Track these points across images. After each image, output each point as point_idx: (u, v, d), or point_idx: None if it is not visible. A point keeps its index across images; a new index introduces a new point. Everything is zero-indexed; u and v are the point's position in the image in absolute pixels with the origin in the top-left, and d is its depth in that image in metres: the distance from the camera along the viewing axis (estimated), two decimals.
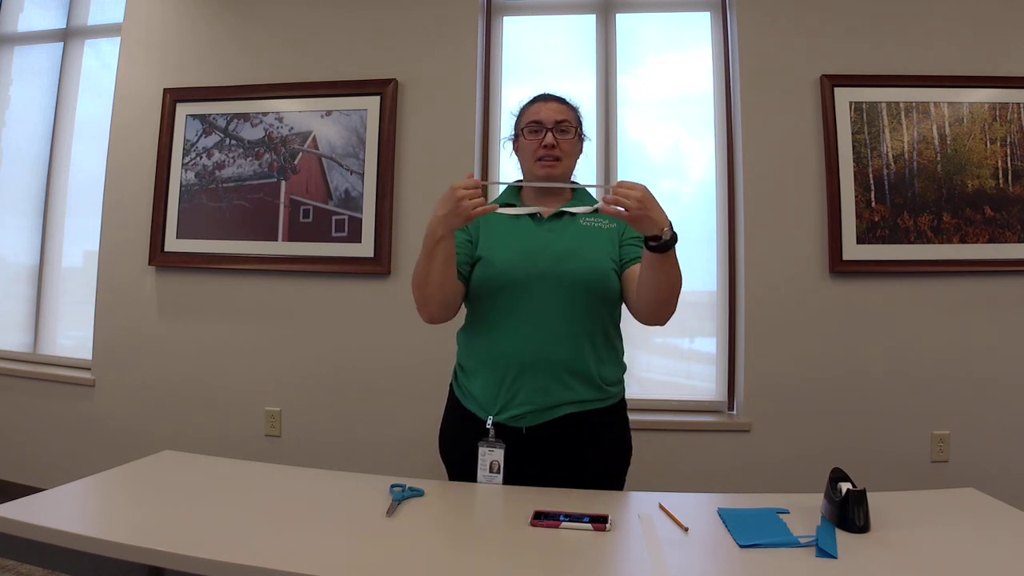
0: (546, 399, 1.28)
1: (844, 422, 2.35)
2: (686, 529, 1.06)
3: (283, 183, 2.62)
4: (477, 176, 2.54)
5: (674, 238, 1.14)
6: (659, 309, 1.27)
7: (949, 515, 1.15)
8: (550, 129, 1.35)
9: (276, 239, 2.60)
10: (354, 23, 2.65)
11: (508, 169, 2.58)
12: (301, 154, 2.62)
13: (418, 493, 1.21)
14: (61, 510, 1.12)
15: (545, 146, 1.34)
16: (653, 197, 1.12)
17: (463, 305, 1.40)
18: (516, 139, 1.44)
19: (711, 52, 2.63)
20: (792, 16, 2.46)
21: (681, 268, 1.22)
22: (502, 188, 1.51)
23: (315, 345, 2.58)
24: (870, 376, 2.35)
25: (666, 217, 1.13)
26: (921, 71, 2.40)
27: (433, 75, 2.58)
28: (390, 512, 1.12)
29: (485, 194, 1.25)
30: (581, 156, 1.45)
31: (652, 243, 1.14)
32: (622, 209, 1.11)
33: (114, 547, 0.97)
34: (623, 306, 1.39)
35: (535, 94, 1.45)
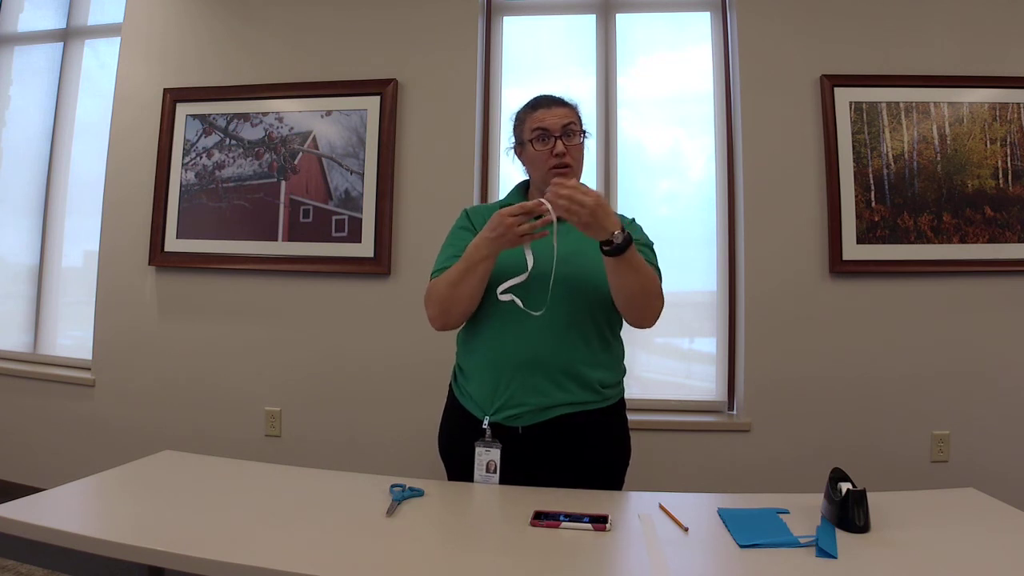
0: (541, 399, 1.28)
1: (844, 422, 2.34)
2: (686, 529, 1.06)
3: (283, 183, 2.62)
4: (477, 179, 2.55)
5: (626, 241, 1.16)
6: (634, 312, 1.28)
7: (949, 515, 1.15)
8: (558, 137, 1.33)
9: (276, 239, 2.60)
10: (354, 23, 2.65)
11: (508, 170, 2.59)
12: (301, 154, 2.62)
13: (418, 493, 1.21)
14: (61, 510, 1.12)
15: (556, 155, 1.33)
16: (606, 204, 1.16)
17: None
18: (519, 145, 1.42)
19: (711, 52, 2.63)
20: (792, 16, 2.46)
21: (653, 270, 1.25)
22: (505, 190, 1.50)
23: (315, 345, 2.58)
24: (870, 376, 2.35)
25: (617, 222, 1.16)
26: (921, 71, 2.40)
27: (433, 75, 2.58)
28: (390, 512, 1.12)
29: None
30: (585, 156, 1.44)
31: (605, 248, 1.17)
32: (573, 216, 1.14)
33: (114, 547, 0.97)
34: None
35: (533, 98, 1.42)
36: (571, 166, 1.34)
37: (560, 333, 1.29)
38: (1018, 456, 2.30)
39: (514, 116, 1.44)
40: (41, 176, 3.07)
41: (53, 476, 2.44)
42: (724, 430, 2.40)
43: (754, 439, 2.38)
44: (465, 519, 1.18)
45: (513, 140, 1.44)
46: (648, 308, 1.27)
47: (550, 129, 1.34)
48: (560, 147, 1.33)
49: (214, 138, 2.68)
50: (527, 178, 1.46)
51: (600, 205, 1.15)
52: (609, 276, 1.24)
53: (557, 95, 1.41)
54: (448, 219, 1.47)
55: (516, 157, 1.45)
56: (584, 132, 1.40)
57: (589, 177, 2.57)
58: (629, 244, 1.17)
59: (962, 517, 1.14)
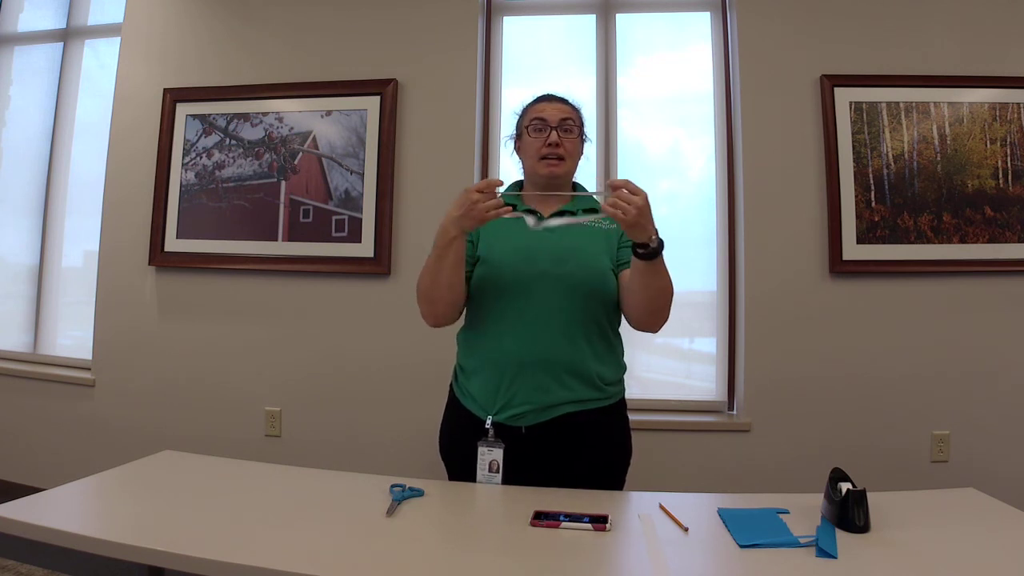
0: (545, 398, 1.28)
1: (844, 422, 2.34)
2: (686, 529, 1.06)
3: (283, 183, 2.62)
4: (477, 179, 2.54)
5: (661, 245, 1.17)
6: (650, 316, 1.29)
7: (949, 515, 1.15)
8: (554, 127, 1.34)
9: (276, 239, 2.60)
10: (354, 23, 2.65)
11: (508, 170, 2.58)
12: (301, 154, 2.62)
13: (418, 493, 1.21)
14: (61, 510, 1.12)
15: (549, 144, 1.34)
16: (649, 206, 1.14)
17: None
18: (518, 138, 1.44)
19: (711, 52, 2.63)
20: (792, 16, 2.46)
21: (671, 274, 1.24)
22: (502, 189, 1.50)
23: (315, 345, 2.58)
24: (870, 376, 2.35)
25: (654, 225, 1.16)
26: (921, 71, 2.40)
27: (433, 75, 2.58)
28: (390, 512, 1.12)
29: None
30: (581, 158, 1.45)
31: (640, 250, 1.17)
32: (620, 213, 1.12)
33: (114, 547, 0.97)
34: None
35: (539, 94, 1.45)
36: (563, 158, 1.35)
37: (562, 330, 1.29)
38: (1018, 456, 2.30)
39: (518, 109, 1.46)
40: (41, 176, 3.07)
41: (53, 476, 2.43)
42: (724, 430, 2.40)
43: (754, 439, 2.38)
44: (465, 519, 1.18)
45: (514, 132, 1.46)
46: (663, 313, 1.28)
47: (547, 119, 1.36)
48: (554, 137, 1.33)
49: (214, 138, 2.68)
50: (522, 178, 1.46)
51: (648, 206, 1.13)
52: (635, 279, 1.24)
53: (563, 95, 1.43)
54: None
55: (514, 152, 1.46)
56: (584, 136, 1.42)
57: (589, 177, 2.57)
58: (662, 248, 1.17)
59: (962, 517, 1.14)
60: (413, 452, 2.26)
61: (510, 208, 1.21)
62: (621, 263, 1.35)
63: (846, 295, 2.37)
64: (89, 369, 2.77)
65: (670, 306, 1.28)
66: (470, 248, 1.36)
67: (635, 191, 1.13)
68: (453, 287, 1.28)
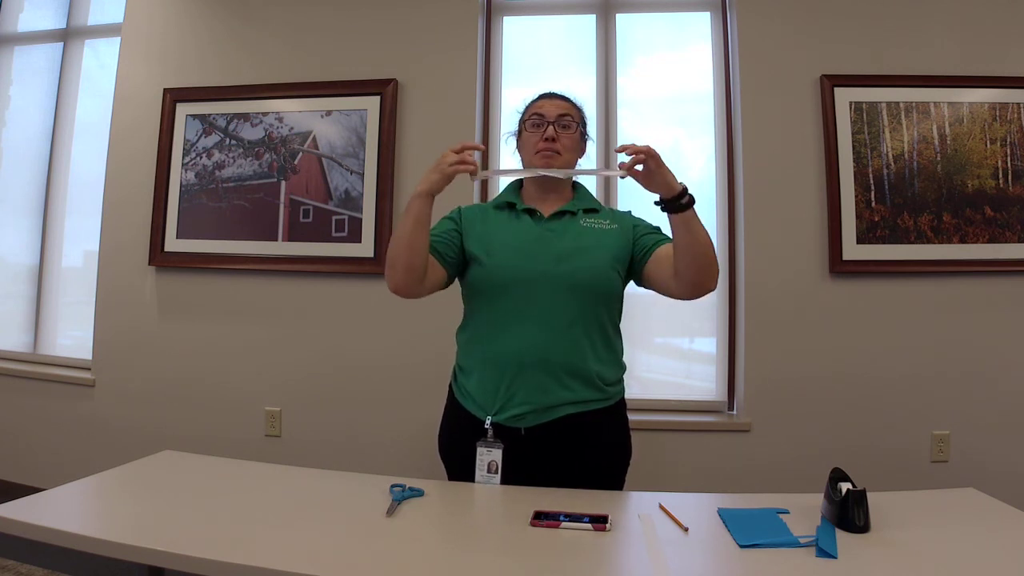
0: (545, 399, 1.28)
1: (844, 422, 2.34)
2: (686, 529, 1.06)
3: (283, 183, 2.62)
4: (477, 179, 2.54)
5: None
6: (705, 272, 1.24)
7: (949, 515, 1.15)
8: (552, 123, 1.35)
9: (276, 239, 2.60)
10: (354, 23, 2.65)
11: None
12: (301, 154, 2.62)
13: (418, 493, 1.21)
14: (61, 510, 1.12)
15: (546, 139, 1.34)
16: (657, 153, 1.17)
17: (463, 306, 1.41)
18: (518, 136, 1.44)
19: (711, 52, 2.63)
20: (792, 16, 2.46)
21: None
22: (502, 186, 1.50)
23: (315, 345, 2.58)
24: (870, 376, 2.35)
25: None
26: (921, 71, 2.40)
27: (433, 75, 2.58)
28: (390, 512, 1.12)
29: (485, 165, 1.28)
30: (583, 156, 1.45)
31: (682, 201, 1.18)
32: (644, 159, 1.15)
33: (114, 547, 0.97)
34: (622, 307, 1.39)
35: (540, 92, 1.45)
36: (560, 153, 1.34)
37: (562, 331, 1.28)
38: (1018, 456, 2.30)
39: (520, 107, 1.47)
40: (41, 176, 3.07)
41: (53, 476, 2.43)
42: (724, 430, 2.40)
43: (754, 439, 2.38)
44: (465, 519, 1.18)
45: (515, 129, 1.46)
46: (715, 265, 1.25)
47: (545, 115, 1.36)
48: (551, 132, 1.34)
49: (214, 138, 2.68)
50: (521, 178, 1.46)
51: (652, 149, 1.16)
52: (682, 239, 1.21)
53: (563, 93, 1.43)
54: None
55: (516, 151, 1.46)
56: (585, 134, 1.42)
57: (590, 180, 2.57)
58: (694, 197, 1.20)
59: (962, 517, 1.14)
60: (413, 452, 2.26)
61: (473, 166, 1.22)
62: (647, 249, 1.34)
63: (846, 295, 2.37)
64: (89, 369, 2.77)
65: (715, 255, 1.26)
66: (454, 236, 1.37)
67: (632, 145, 1.16)
68: (413, 248, 1.26)
